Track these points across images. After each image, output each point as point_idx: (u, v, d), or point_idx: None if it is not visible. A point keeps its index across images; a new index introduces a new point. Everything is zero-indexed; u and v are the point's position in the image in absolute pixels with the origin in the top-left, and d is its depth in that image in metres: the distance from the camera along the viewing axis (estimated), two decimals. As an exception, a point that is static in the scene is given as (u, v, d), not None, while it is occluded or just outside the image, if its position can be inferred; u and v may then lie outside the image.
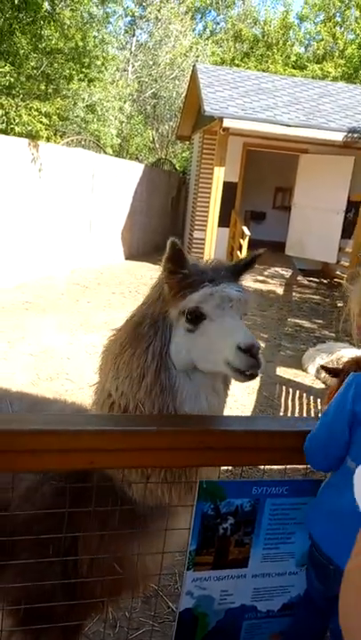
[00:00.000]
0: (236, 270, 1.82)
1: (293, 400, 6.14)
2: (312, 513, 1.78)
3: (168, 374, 1.68)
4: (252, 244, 12.89)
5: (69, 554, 1.78)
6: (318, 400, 6.16)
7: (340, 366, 2.38)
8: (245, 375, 1.62)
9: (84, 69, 12.92)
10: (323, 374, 6.71)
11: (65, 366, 6.31)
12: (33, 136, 10.49)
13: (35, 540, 1.74)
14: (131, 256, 15.16)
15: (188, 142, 20.25)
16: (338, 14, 27.33)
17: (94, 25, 13.68)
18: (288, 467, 2.03)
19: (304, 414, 5.78)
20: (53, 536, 1.72)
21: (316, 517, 1.76)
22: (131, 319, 1.81)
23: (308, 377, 6.80)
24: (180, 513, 1.78)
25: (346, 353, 6.80)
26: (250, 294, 1.78)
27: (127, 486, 1.74)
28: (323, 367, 3.04)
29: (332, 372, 2.52)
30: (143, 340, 1.70)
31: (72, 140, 13.61)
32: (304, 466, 1.99)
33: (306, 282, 13.26)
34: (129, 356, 1.71)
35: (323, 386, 6.60)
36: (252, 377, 1.64)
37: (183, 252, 1.69)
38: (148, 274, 12.81)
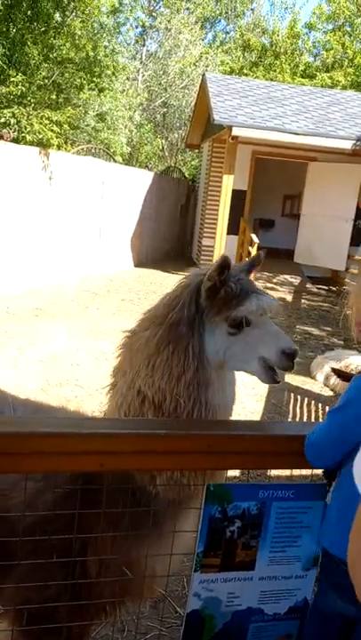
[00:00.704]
0: (248, 269, 2.10)
1: (302, 407, 6.14)
2: (326, 528, 1.78)
3: (204, 371, 1.84)
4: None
5: (78, 557, 1.80)
6: (327, 407, 6.15)
7: (353, 372, 2.40)
8: (275, 379, 1.88)
9: (94, 79, 13.05)
10: (331, 381, 6.71)
11: (74, 372, 6.36)
12: (44, 144, 10.60)
13: (38, 544, 1.76)
14: (140, 263, 15.23)
15: (197, 150, 20.36)
16: (348, 24, 27.41)
17: (105, 35, 13.83)
18: (294, 472, 2.05)
19: (312, 421, 5.78)
20: (56, 537, 1.74)
21: (330, 531, 1.75)
22: (163, 320, 1.89)
23: (317, 384, 6.80)
24: (192, 512, 1.81)
25: (354, 360, 6.80)
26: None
27: (148, 481, 1.79)
28: (333, 370, 3.08)
29: (342, 375, 2.55)
30: (182, 339, 1.83)
31: (82, 149, 13.73)
32: (310, 471, 2.01)
33: (315, 289, 13.26)
34: (167, 354, 1.82)
35: (331, 393, 6.59)
36: (279, 382, 1.91)
37: (230, 266, 1.87)
38: (158, 281, 12.88)
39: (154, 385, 1.82)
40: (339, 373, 2.80)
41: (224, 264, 1.83)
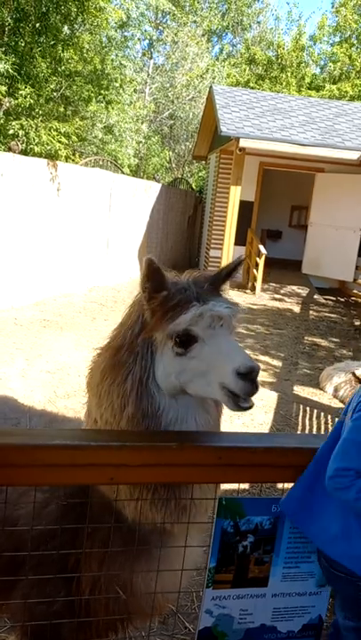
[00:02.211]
0: (217, 281, 1.75)
1: (311, 419, 6.09)
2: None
3: (150, 401, 1.62)
4: (269, 263, 12.96)
5: (71, 574, 1.77)
6: (336, 419, 6.09)
7: None
8: (241, 406, 1.54)
9: (102, 91, 13.16)
10: (340, 393, 6.66)
11: (82, 384, 6.29)
12: (52, 155, 10.67)
13: (40, 560, 1.74)
14: (147, 274, 15.24)
15: (204, 162, 20.44)
16: (353, 36, 27.54)
17: (112, 49, 13.96)
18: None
19: (322, 433, 5.72)
20: (54, 552, 1.71)
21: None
22: (109, 344, 1.74)
23: (326, 396, 6.74)
24: (177, 536, 1.72)
25: (362, 372, 6.75)
26: (239, 308, 1.68)
27: (122, 506, 1.71)
28: (354, 375, 3.13)
29: None
30: (122, 367, 1.64)
31: (90, 161, 13.81)
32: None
33: (323, 300, 13.21)
34: (108, 384, 1.66)
35: (341, 405, 6.53)
36: (247, 409, 1.56)
37: (162, 270, 1.62)
38: (165, 292, 12.87)
39: (102, 417, 1.69)
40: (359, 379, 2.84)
41: (148, 267, 1.58)
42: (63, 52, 12.15)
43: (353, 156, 12.23)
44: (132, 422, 1.63)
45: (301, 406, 6.36)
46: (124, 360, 1.64)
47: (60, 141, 10.69)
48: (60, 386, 6.21)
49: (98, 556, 1.74)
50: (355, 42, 27.35)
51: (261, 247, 12.51)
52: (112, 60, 13.46)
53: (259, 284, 12.78)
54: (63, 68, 12.40)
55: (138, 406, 1.62)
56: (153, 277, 1.60)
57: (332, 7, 27.95)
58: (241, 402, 1.53)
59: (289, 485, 2.12)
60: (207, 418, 1.71)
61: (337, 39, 28.31)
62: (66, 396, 5.94)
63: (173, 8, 23.76)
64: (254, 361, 1.53)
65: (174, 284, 1.65)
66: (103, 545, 1.72)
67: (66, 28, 12.28)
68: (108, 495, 1.71)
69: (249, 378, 1.49)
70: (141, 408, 1.62)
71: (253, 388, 1.50)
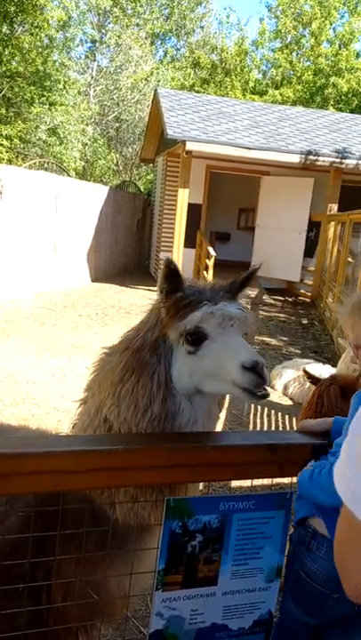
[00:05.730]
0: (233, 289, 1.85)
1: (262, 417, 6.17)
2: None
3: (173, 401, 1.68)
4: (218, 265, 13.06)
5: (43, 584, 1.72)
6: (286, 416, 6.20)
7: (319, 377, 2.63)
8: (256, 395, 1.62)
9: (45, 93, 12.99)
10: (290, 391, 6.78)
11: (31, 391, 6.21)
12: (-6, 159, 10.45)
13: (3, 572, 1.67)
14: (97, 278, 15.12)
15: (151, 165, 20.45)
16: (293, 41, 28.18)
17: (54, 49, 13.81)
18: (255, 483, 2.03)
19: (272, 430, 5.80)
20: (17, 561, 1.66)
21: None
22: (128, 345, 1.76)
23: (276, 394, 6.84)
24: (159, 529, 1.75)
25: (310, 369, 6.87)
26: (250, 313, 1.76)
27: (108, 506, 1.71)
28: (305, 371, 3.25)
29: (311, 378, 2.72)
30: (147, 367, 1.68)
31: (34, 163, 13.58)
32: (270, 480, 2.00)
33: (271, 300, 13.42)
34: (132, 384, 1.68)
35: (290, 402, 6.65)
36: (263, 397, 1.63)
37: (179, 272, 1.68)
38: (115, 296, 12.79)
39: (120, 416, 1.70)
40: (309, 375, 2.94)
41: (168, 266, 1.64)
42: (3, 51, 11.94)
43: (296, 159, 12.51)
44: (153, 422, 1.67)
45: (253, 405, 6.43)
46: (148, 360, 1.68)
47: (1, 144, 10.48)
48: (7, 394, 6.07)
49: (71, 560, 1.71)
50: (295, 47, 27.97)
51: (211, 249, 12.60)
52: (54, 61, 13.31)
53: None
54: (4, 68, 12.19)
55: (163, 407, 1.67)
56: (170, 279, 1.67)
57: (269, 11, 28.54)
58: (256, 391, 1.61)
59: (239, 483, 2.14)
60: (211, 424, 1.80)
61: (278, 44, 28.88)
62: (14, 404, 5.81)
63: (115, 10, 23.68)
64: (258, 355, 1.62)
65: (190, 287, 1.73)
66: (78, 548, 1.69)
67: (5, 27, 12.05)
68: (91, 497, 1.70)
69: (255, 371, 1.57)
70: (166, 408, 1.66)
71: (259, 379, 1.58)
